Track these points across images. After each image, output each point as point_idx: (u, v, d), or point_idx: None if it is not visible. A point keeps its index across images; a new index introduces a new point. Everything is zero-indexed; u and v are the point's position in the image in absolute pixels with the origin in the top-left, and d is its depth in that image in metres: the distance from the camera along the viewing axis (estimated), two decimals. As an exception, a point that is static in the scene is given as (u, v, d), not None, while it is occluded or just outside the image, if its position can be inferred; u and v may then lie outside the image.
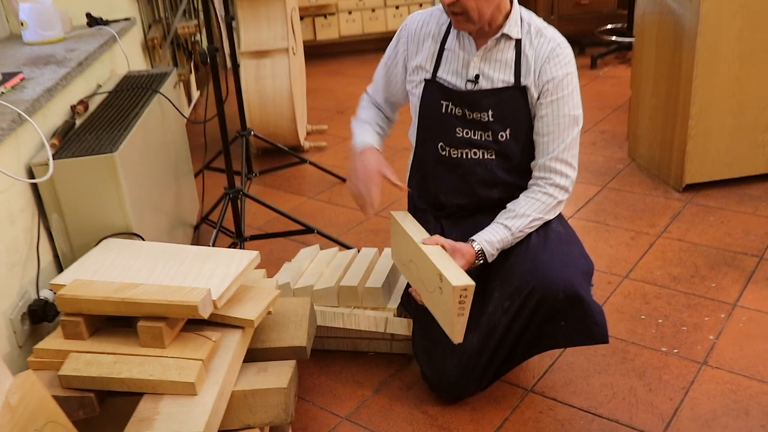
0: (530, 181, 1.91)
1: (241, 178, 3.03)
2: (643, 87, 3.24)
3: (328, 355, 2.19)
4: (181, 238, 2.62)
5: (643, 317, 2.26)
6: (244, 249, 2.68)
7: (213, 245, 2.50)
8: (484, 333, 1.82)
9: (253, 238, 2.64)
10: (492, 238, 1.82)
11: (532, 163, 1.90)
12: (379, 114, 2.10)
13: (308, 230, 2.67)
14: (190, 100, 4.49)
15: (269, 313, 1.81)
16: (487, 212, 1.93)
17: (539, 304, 1.75)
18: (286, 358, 1.88)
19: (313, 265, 2.28)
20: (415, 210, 2.06)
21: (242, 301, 1.79)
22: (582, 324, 1.76)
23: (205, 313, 1.61)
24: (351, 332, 2.13)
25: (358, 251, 2.37)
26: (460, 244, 1.80)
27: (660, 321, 2.23)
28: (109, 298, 1.63)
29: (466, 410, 1.92)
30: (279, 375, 1.72)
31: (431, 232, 1.93)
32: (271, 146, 3.52)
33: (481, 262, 1.82)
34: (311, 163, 3.42)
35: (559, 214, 1.94)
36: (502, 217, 1.85)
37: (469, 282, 1.62)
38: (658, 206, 2.96)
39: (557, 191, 1.87)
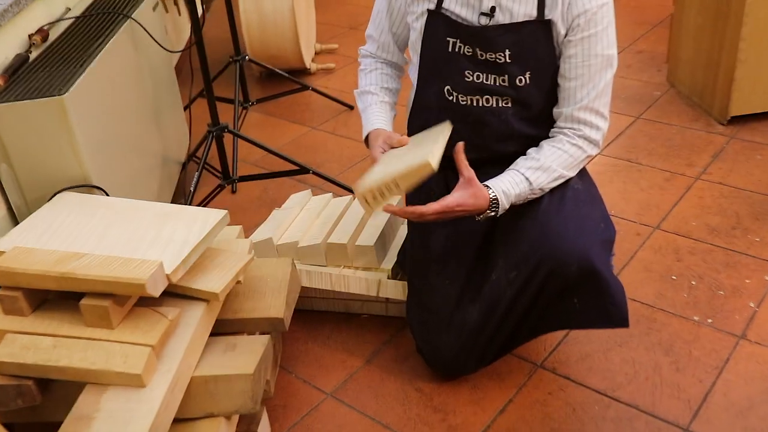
0: (553, 129, 1.62)
1: (234, 109, 2.76)
2: (688, 3, 2.85)
3: (317, 317, 1.97)
4: (164, 179, 2.39)
5: (674, 278, 1.99)
6: (235, 188, 2.44)
7: (194, 189, 2.26)
8: (485, 305, 1.58)
9: (243, 179, 2.40)
10: (509, 189, 1.54)
11: (556, 111, 1.61)
12: (382, 74, 1.78)
13: (303, 170, 2.42)
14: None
15: (238, 282, 1.58)
16: (499, 165, 1.66)
17: (549, 277, 1.49)
18: (261, 330, 1.67)
19: (302, 216, 2.04)
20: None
21: (207, 269, 1.56)
22: (597, 303, 1.51)
23: (155, 291, 1.39)
24: (342, 293, 1.91)
25: (354, 197, 2.12)
26: (475, 184, 1.52)
27: (693, 283, 1.97)
28: (48, 273, 1.41)
29: (466, 388, 1.70)
30: (248, 356, 1.51)
31: (433, 186, 1.67)
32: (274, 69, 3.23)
33: (492, 214, 1.55)
34: (314, 90, 3.12)
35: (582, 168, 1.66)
36: (522, 166, 1.57)
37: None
38: (698, 141, 2.63)
39: (587, 145, 1.58)
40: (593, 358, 1.75)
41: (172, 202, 2.47)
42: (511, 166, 1.58)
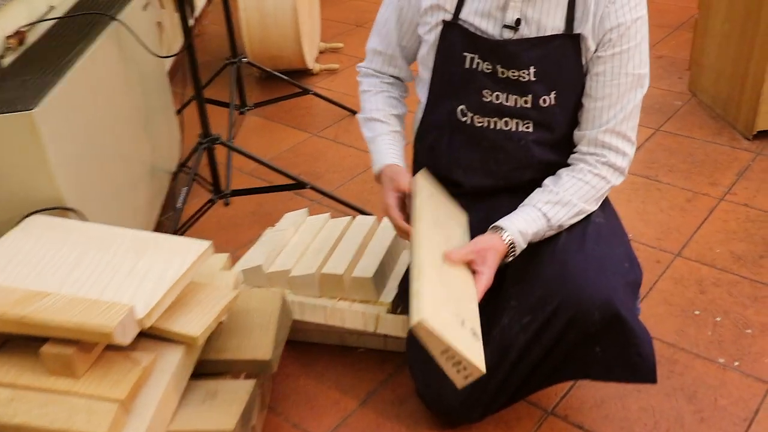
0: (574, 155, 1.46)
1: (229, 115, 2.61)
2: (714, 7, 2.68)
3: (311, 349, 1.83)
4: (153, 191, 2.25)
5: (696, 313, 1.84)
6: (228, 201, 2.30)
7: (183, 204, 2.12)
8: (495, 351, 1.43)
9: (236, 193, 2.25)
10: (526, 228, 1.38)
11: (577, 134, 1.45)
12: (390, 97, 1.61)
13: (300, 185, 2.27)
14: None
15: (220, 324, 1.44)
16: (513, 195, 1.51)
17: (568, 325, 1.34)
18: (247, 372, 1.53)
19: (297, 239, 1.89)
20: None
21: (187, 307, 1.42)
22: (622, 354, 1.36)
23: (124, 339, 1.25)
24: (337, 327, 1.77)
25: (354, 217, 1.97)
26: (486, 241, 1.37)
27: (718, 319, 1.81)
28: (6, 315, 1.27)
29: (470, 442, 1.56)
30: (229, 407, 1.37)
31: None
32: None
33: (509, 260, 1.40)
34: (315, 94, 2.96)
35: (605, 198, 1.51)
36: (539, 200, 1.41)
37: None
38: (722, 157, 2.47)
39: (611, 173, 1.43)
40: (609, 405, 1.60)
41: (161, 215, 2.33)
42: (526, 201, 1.43)
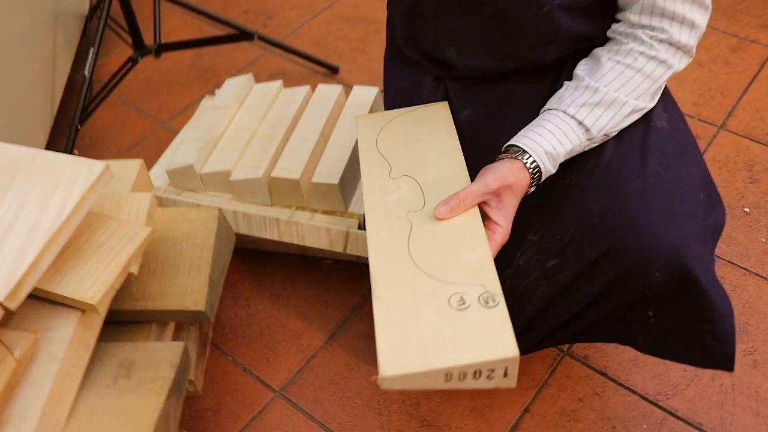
0: (617, 28, 0.99)
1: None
2: None
3: (265, 262, 1.46)
4: (59, 42, 1.75)
5: (747, 210, 1.47)
6: (158, 56, 1.81)
7: (92, 69, 1.63)
8: (506, 299, 1.05)
9: (165, 48, 1.75)
10: (556, 146, 0.94)
11: (623, 0, 0.99)
12: None
13: (245, 36, 1.77)
14: None
15: (130, 274, 1.05)
16: (532, 78, 1.07)
17: (614, 283, 0.96)
18: (177, 321, 1.18)
19: (239, 121, 1.45)
20: (401, 62, 1.18)
21: (82, 256, 1.02)
22: (688, 329, 0.98)
23: (-24, 336, 0.86)
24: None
25: (314, 87, 1.52)
26: (501, 172, 0.92)
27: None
28: None
29: (466, 392, 1.25)
30: (147, 392, 1.02)
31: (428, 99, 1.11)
32: None
33: (532, 190, 0.98)
34: None
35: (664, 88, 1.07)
36: (572, 101, 0.96)
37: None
38: (774, -12, 1.98)
39: (674, 55, 0.96)
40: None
41: (73, 72, 1.85)
42: (551, 102, 0.99)
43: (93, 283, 1.00)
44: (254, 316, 1.38)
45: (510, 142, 0.96)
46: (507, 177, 0.91)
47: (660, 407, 1.20)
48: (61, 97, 1.74)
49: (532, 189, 0.96)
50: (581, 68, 1.00)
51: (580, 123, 0.96)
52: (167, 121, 1.79)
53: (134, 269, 1.05)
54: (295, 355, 1.32)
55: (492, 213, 0.91)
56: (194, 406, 1.26)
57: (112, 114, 1.82)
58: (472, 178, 0.94)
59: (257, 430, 1.23)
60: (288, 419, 1.23)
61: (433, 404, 1.23)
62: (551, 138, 0.95)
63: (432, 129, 1.04)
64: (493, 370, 0.73)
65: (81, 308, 1.00)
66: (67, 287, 0.99)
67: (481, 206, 0.93)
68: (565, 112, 0.96)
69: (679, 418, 1.18)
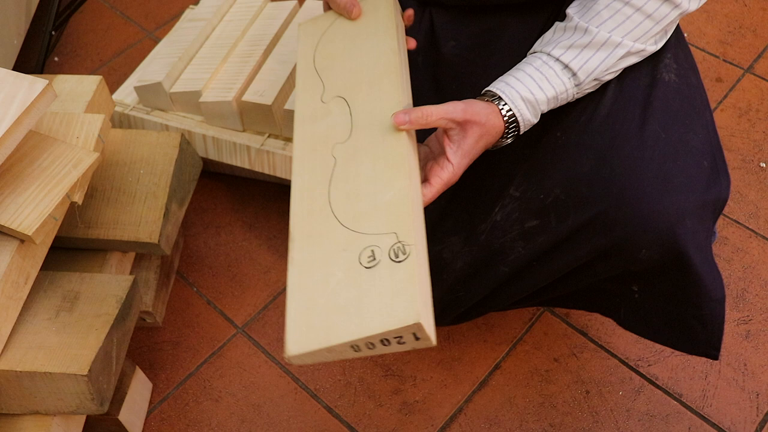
0: None
1: None
2: None
3: (239, 187, 1.39)
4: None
5: (763, 165, 1.35)
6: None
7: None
8: (479, 255, 0.96)
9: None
10: (535, 93, 0.83)
11: None
12: None
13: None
14: None
15: (73, 204, 0.97)
16: (524, 12, 0.96)
17: (599, 254, 0.86)
18: (131, 251, 1.12)
19: (218, 36, 1.34)
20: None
21: (23, 181, 0.95)
22: (673, 310, 0.89)
23: None
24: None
25: (301, 2, 1.40)
26: (474, 108, 0.80)
27: (791, 175, 1.33)
28: None
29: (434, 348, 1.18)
30: (88, 330, 0.96)
31: (414, 33, 0.99)
32: None
33: (509, 141, 0.87)
34: None
35: (675, 30, 0.93)
36: (558, 44, 0.84)
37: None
38: None
39: None
40: (626, 301, 1.19)
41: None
42: (536, 44, 0.87)
43: (31, 212, 0.93)
44: (224, 245, 1.32)
45: (487, 88, 0.85)
46: (479, 114, 0.80)
47: (639, 374, 1.12)
48: (40, -2, 1.64)
49: (509, 141, 0.86)
50: (573, 6, 0.87)
51: (566, 66, 0.84)
52: (153, 30, 1.68)
53: (77, 198, 0.97)
54: (262, 290, 1.26)
55: (449, 147, 0.80)
56: (153, 338, 1.21)
57: (96, 19, 1.72)
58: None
59: (215, 366, 1.18)
60: (248, 358, 1.18)
61: (398, 355, 1.17)
62: (530, 82, 0.83)
63: (370, 30, 0.88)
64: (401, 337, 0.64)
65: (19, 238, 0.94)
66: (3, 214, 0.92)
67: (440, 137, 0.83)
68: (549, 54, 0.84)
69: (658, 386, 1.11)
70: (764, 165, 1.34)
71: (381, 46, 0.85)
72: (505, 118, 0.83)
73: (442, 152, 0.81)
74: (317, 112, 0.82)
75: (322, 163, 0.77)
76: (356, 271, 0.67)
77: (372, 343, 0.64)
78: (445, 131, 0.81)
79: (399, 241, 0.67)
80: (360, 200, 0.72)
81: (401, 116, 0.76)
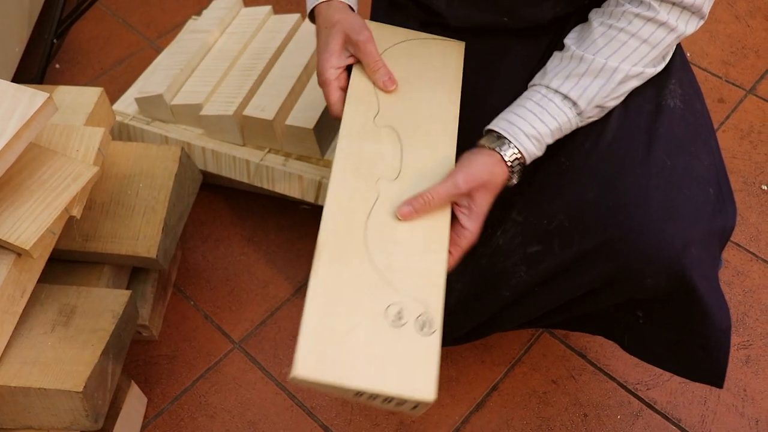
0: None
1: None
2: None
3: (238, 201, 1.38)
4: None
5: (764, 188, 1.35)
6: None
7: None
8: (479, 278, 0.95)
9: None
10: (538, 128, 0.82)
11: None
12: None
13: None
14: None
15: (71, 217, 0.97)
16: (526, 38, 0.95)
17: (602, 282, 0.85)
18: (128, 265, 1.11)
19: (220, 48, 1.34)
20: (388, 3, 1.04)
21: (21, 193, 0.94)
22: (678, 338, 0.89)
23: None
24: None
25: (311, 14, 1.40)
26: (477, 167, 0.79)
27: (792, 199, 1.33)
28: None
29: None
30: (81, 350, 0.95)
31: None
32: None
33: (514, 182, 0.85)
34: None
35: (677, 52, 0.93)
36: (556, 75, 0.83)
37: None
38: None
39: (678, 15, 0.81)
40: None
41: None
42: (536, 77, 0.86)
43: (29, 226, 0.92)
44: (222, 259, 1.31)
45: (488, 126, 0.84)
46: (481, 175, 0.79)
47: (638, 397, 1.12)
48: (42, 5, 1.63)
49: (514, 182, 0.85)
50: (570, 36, 0.86)
51: (565, 97, 0.83)
52: (155, 39, 1.68)
53: (76, 212, 0.97)
54: (260, 305, 1.25)
55: (462, 216, 0.80)
56: (149, 352, 1.21)
57: (99, 26, 1.71)
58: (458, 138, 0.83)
59: (211, 382, 1.17)
60: (244, 374, 1.17)
61: (396, 372, 1.16)
62: (531, 118, 0.83)
63: (437, 75, 0.88)
64: (404, 402, 0.65)
65: (16, 251, 0.93)
66: (1, 228, 0.91)
67: (452, 206, 0.82)
68: (547, 87, 0.84)
69: (656, 411, 1.10)
70: (766, 187, 1.34)
71: (445, 101, 0.86)
72: (509, 164, 0.81)
73: (456, 220, 0.80)
74: (367, 132, 0.81)
75: (365, 191, 0.76)
76: (381, 323, 0.67)
77: (376, 396, 0.64)
78: (455, 202, 0.80)
79: (427, 313, 0.69)
80: (396, 252, 0.72)
81: (404, 209, 0.76)
